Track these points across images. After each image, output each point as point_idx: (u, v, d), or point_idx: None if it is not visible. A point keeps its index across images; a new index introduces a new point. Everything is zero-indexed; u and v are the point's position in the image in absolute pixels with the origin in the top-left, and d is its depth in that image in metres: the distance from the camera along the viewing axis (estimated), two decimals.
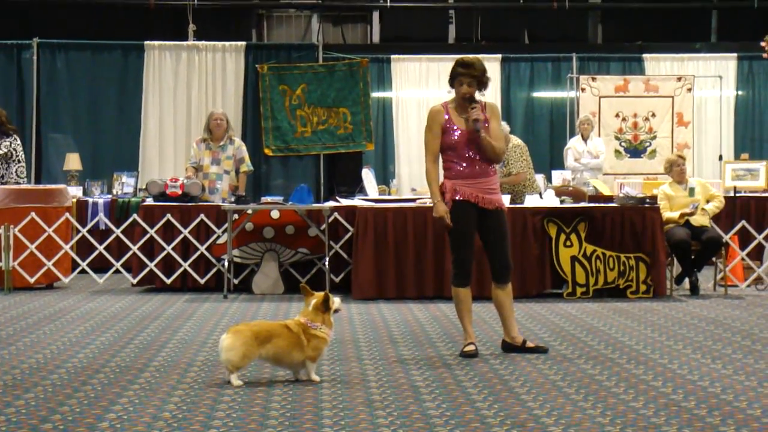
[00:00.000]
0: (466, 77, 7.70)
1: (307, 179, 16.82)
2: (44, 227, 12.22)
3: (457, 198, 7.69)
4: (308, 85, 17.32)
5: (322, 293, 6.83)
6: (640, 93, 17.47)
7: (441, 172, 7.84)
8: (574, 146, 16.08)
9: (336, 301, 6.90)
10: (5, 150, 12.92)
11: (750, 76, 18.40)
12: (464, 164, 7.72)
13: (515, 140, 11.91)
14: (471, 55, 7.94)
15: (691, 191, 11.91)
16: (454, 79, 7.77)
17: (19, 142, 13.25)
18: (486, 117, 7.74)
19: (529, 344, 7.84)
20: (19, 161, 13.05)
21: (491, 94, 16.96)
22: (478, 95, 7.82)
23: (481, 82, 7.76)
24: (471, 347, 7.68)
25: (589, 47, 19.64)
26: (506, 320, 7.88)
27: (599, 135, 16.88)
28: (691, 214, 11.71)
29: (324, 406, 5.93)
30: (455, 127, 7.72)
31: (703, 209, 11.81)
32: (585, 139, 16.05)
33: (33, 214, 12.21)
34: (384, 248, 11.37)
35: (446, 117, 7.75)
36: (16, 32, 17.59)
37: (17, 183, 12.93)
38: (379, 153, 17.99)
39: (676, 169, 12.01)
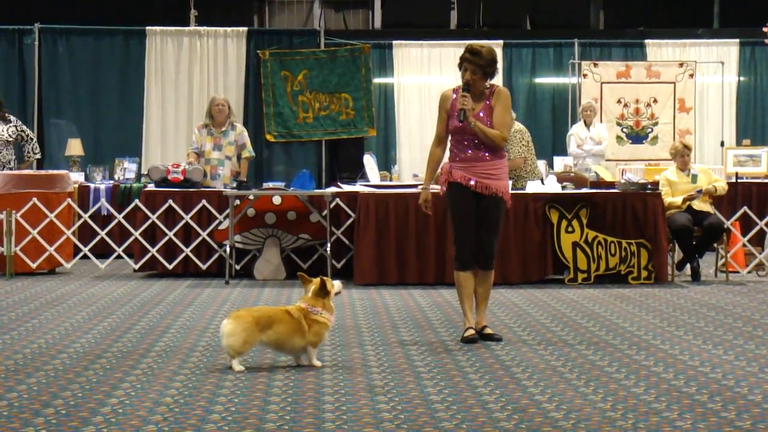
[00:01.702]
0: (471, 65, 7.74)
1: (308, 165, 16.82)
2: (46, 213, 12.23)
3: (451, 180, 7.81)
4: (310, 71, 17.30)
5: (318, 279, 6.84)
6: (642, 79, 17.44)
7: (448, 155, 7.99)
8: (576, 133, 16.05)
9: (335, 284, 6.91)
10: (14, 136, 13.01)
11: (752, 62, 18.36)
12: (463, 148, 7.79)
13: (516, 125, 11.93)
14: (483, 43, 7.97)
15: (694, 178, 11.90)
16: (461, 65, 7.81)
17: (20, 122, 13.38)
18: (490, 103, 7.79)
19: (487, 331, 7.83)
20: (31, 139, 13.26)
21: (495, 80, 16.91)
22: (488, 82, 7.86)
23: (486, 72, 7.80)
24: (470, 332, 7.70)
25: (591, 33, 19.59)
26: (476, 304, 7.91)
27: (601, 121, 16.86)
28: (693, 198, 11.70)
29: (325, 391, 5.94)
30: (457, 113, 7.77)
31: (705, 188, 11.76)
32: (588, 125, 16.02)
33: (35, 199, 12.22)
34: (385, 234, 11.37)
35: (452, 102, 7.81)
36: (18, 18, 17.56)
37: (35, 161, 13.11)
38: (381, 139, 17.97)
39: (679, 159, 12.01)
